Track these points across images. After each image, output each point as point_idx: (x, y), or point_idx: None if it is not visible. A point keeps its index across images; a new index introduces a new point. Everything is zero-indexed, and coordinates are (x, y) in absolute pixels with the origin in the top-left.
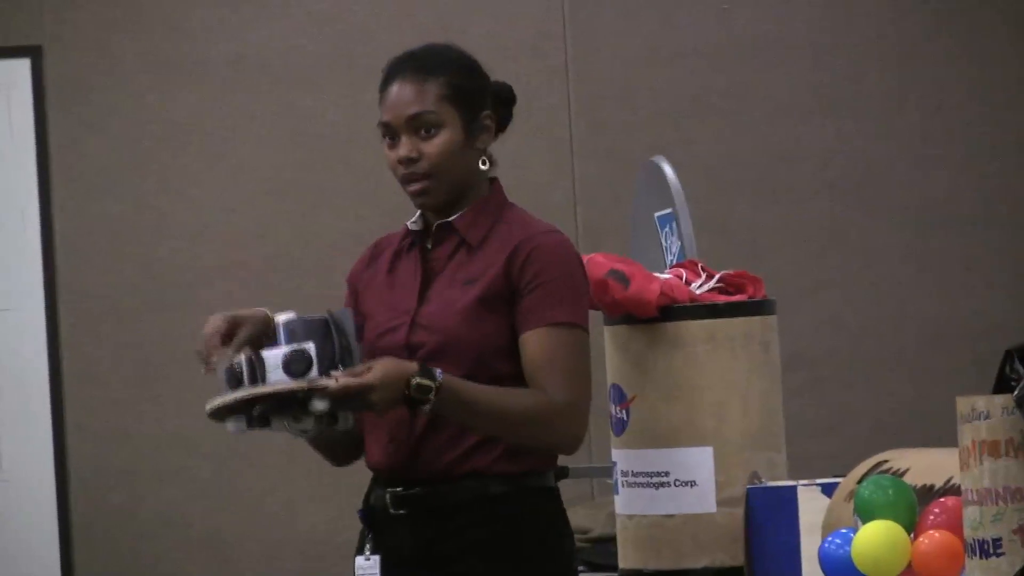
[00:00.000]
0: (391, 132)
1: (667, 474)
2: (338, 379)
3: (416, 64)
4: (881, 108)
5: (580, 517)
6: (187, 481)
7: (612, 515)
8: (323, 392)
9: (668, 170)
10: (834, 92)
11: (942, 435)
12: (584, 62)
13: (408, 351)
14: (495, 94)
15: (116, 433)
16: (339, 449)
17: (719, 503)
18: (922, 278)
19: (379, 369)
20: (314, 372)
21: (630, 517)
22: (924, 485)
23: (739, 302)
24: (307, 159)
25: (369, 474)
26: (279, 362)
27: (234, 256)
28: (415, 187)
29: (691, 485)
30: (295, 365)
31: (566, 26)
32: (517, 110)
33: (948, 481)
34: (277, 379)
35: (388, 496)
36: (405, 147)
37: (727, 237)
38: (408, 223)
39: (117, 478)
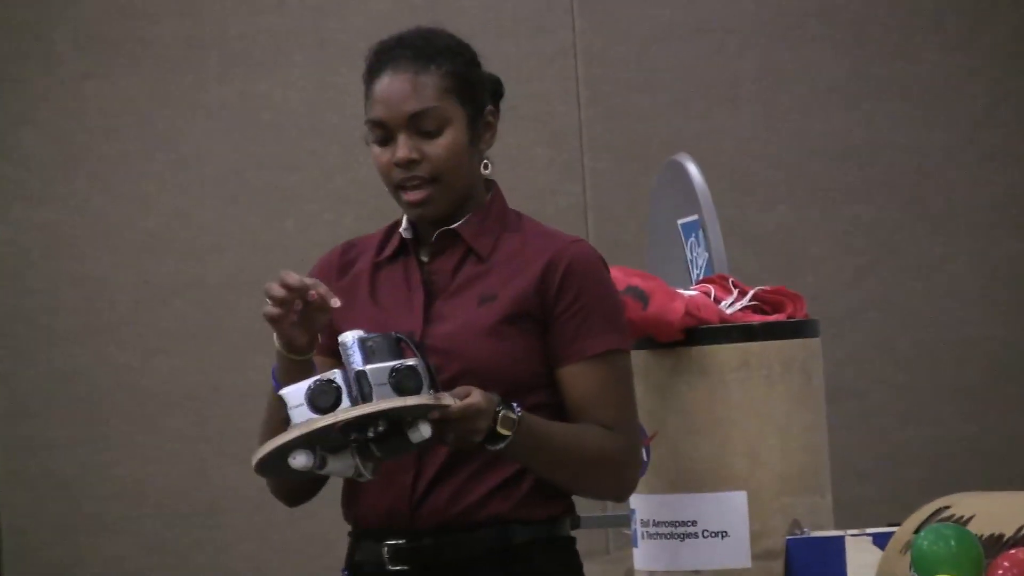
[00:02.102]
0: (385, 131)
1: (694, 523)
2: (455, 400)
3: (411, 52)
4: (939, 95)
5: (594, 575)
6: (134, 535)
7: (631, 572)
8: (440, 412)
9: (693, 170)
10: (884, 76)
11: (1012, 476)
12: (594, 40)
13: None
14: (491, 87)
15: (52, 479)
16: (305, 487)
17: (755, 556)
18: (987, 294)
19: (478, 393)
20: (426, 390)
21: (651, 573)
22: (991, 535)
23: (776, 323)
24: (268, 155)
25: (343, 526)
26: (385, 378)
27: (187, 271)
28: (416, 195)
29: (722, 536)
30: (408, 382)
31: None
32: (517, 98)
33: (1020, 530)
34: (385, 396)
35: (385, 550)
36: (404, 147)
37: (762, 247)
38: (401, 229)
39: (54, 531)
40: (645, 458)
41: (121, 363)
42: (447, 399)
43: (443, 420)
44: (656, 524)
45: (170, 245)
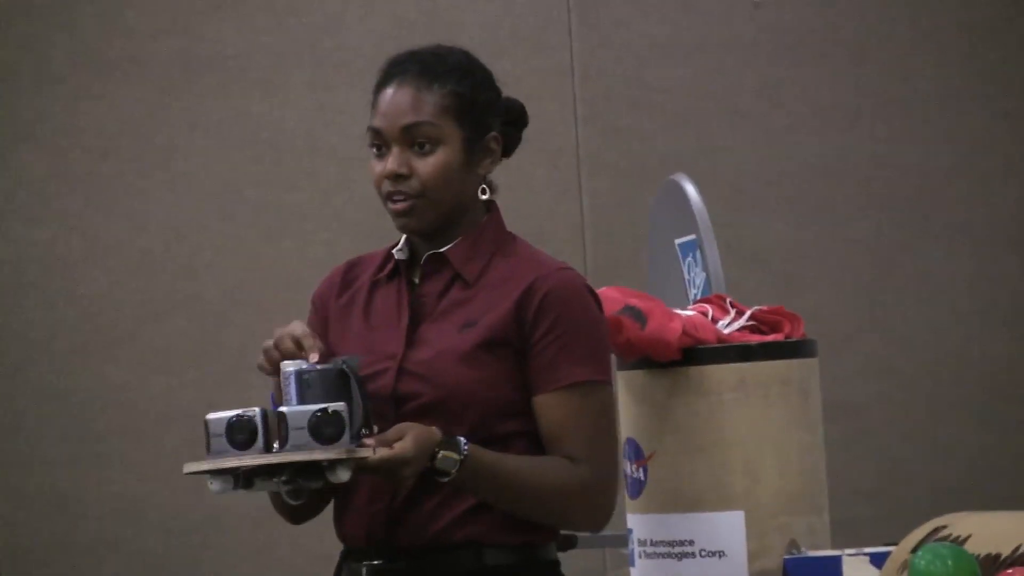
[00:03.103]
0: (381, 140)
1: (691, 543)
2: (375, 450)
3: (419, 67)
4: (938, 113)
5: None
6: (132, 553)
7: None
8: (354, 463)
9: (691, 190)
10: (884, 93)
11: (1011, 495)
12: (592, 58)
13: (395, 402)
14: (504, 112)
15: (50, 496)
16: (305, 508)
17: (752, 575)
18: (986, 312)
19: (411, 439)
20: (345, 438)
21: None
22: (988, 554)
23: (774, 343)
24: (265, 174)
25: (338, 545)
26: (304, 422)
27: (183, 289)
28: (399, 205)
29: (719, 556)
30: (326, 429)
31: (571, 15)
32: None
33: (1016, 549)
34: (301, 442)
35: (364, 570)
36: (395, 160)
37: (759, 267)
38: (394, 250)
39: (51, 549)
40: (643, 477)
41: (118, 381)
42: (365, 451)
43: (369, 469)
44: (654, 544)
45: (166, 263)
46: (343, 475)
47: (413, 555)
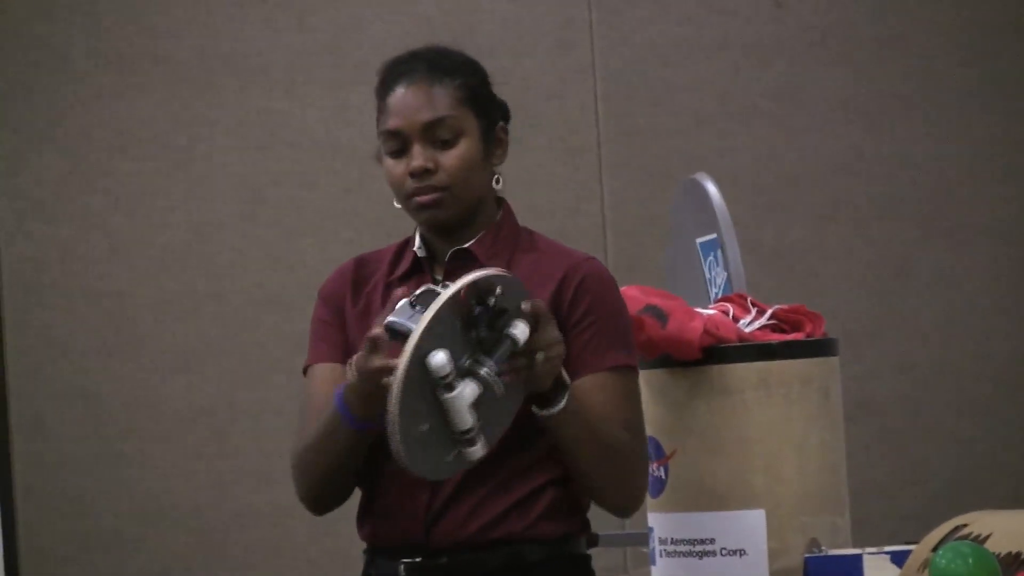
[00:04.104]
0: (400, 141)
1: (712, 541)
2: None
3: (427, 65)
4: (956, 112)
5: None
6: (152, 552)
7: None
8: (531, 305)
9: (712, 189)
10: (904, 93)
11: None
12: (613, 58)
13: None
14: (502, 110)
15: (70, 495)
16: (330, 497)
17: (773, 574)
18: (1005, 310)
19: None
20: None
21: None
22: (1009, 553)
23: (795, 341)
24: (285, 173)
25: (357, 543)
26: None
27: (204, 288)
28: (426, 198)
29: (740, 554)
30: (428, 299)
31: (592, 14)
32: (535, 116)
33: None
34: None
35: (402, 568)
36: (420, 157)
37: (780, 266)
38: (415, 248)
39: (71, 548)
40: (664, 476)
41: (138, 380)
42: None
43: (536, 316)
44: (674, 542)
45: (187, 262)
46: (522, 331)
47: (451, 552)
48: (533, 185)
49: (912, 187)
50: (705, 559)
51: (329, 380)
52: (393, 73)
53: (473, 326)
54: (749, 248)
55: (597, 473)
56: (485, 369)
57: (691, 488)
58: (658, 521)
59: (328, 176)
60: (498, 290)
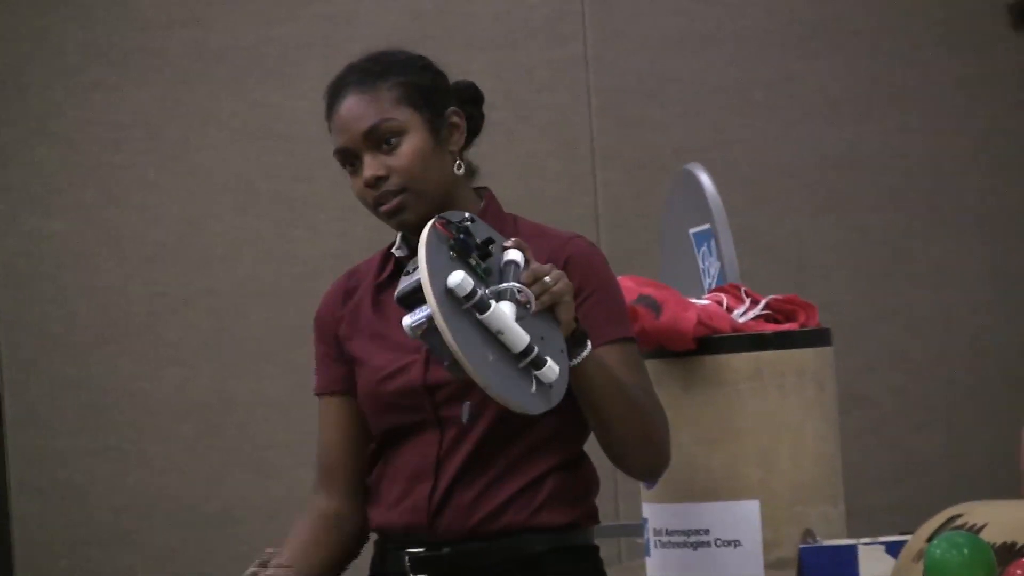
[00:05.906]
0: (350, 158)
1: (707, 532)
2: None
3: (359, 74)
4: (951, 103)
5: None
6: (146, 545)
7: None
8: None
9: (705, 179)
10: (898, 84)
11: None
12: (606, 49)
13: (428, 392)
14: (458, 93)
15: (64, 488)
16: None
17: (767, 565)
18: (1000, 301)
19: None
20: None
21: None
22: (1004, 543)
23: (789, 332)
24: (280, 165)
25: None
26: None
27: (198, 281)
28: (389, 205)
29: (734, 545)
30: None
31: (585, 6)
32: (528, 107)
33: None
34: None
35: (407, 559)
36: (370, 167)
37: (774, 256)
38: (393, 249)
39: (65, 541)
40: None
41: (132, 373)
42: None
43: (520, 247)
44: (669, 533)
45: (181, 255)
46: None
47: (456, 543)
48: (526, 176)
49: (906, 178)
50: (700, 550)
51: (333, 423)
52: (331, 92)
53: (467, 254)
54: (743, 238)
55: (626, 428)
56: (509, 289)
57: (685, 479)
58: (652, 512)
59: (321, 169)
60: (467, 214)
